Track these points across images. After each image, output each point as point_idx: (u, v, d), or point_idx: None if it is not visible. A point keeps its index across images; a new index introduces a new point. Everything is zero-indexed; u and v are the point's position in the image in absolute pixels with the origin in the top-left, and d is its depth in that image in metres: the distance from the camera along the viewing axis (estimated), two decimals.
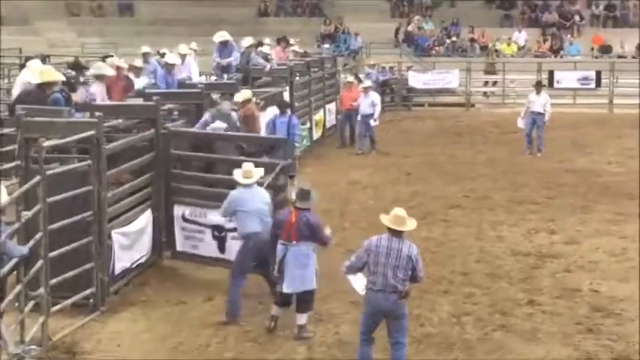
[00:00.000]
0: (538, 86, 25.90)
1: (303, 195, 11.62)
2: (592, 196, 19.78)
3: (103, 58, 18.79)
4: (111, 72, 17.03)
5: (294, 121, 20.78)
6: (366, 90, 25.95)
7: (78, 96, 14.82)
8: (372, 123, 25.33)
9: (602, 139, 27.85)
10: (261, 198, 12.48)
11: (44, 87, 13.90)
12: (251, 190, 12.42)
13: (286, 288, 11.55)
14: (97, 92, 16.19)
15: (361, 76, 30.79)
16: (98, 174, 12.16)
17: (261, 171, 12.67)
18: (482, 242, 16.16)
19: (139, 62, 20.04)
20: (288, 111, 21.05)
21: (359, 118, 25.43)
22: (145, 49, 21.45)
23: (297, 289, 11.58)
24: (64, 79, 14.17)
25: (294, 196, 11.72)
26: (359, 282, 10.55)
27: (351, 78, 28.16)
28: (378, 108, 25.75)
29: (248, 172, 12.46)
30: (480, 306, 12.84)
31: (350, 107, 26.11)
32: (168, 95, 17.37)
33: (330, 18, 40.86)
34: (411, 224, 10.27)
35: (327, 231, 11.91)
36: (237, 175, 12.48)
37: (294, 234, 11.44)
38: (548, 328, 12.05)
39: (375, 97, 26.05)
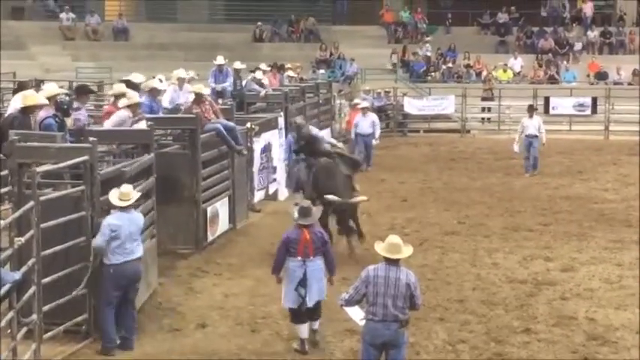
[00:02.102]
0: (530, 110, 26.90)
1: (305, 212, 12.03)
2: (588, 223, 19.73)
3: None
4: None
5: None
6: (364, 110, 27.42)
7: (71, 121, 14.68)
8: (374, 142, 26.96)
9: (598, 165, 27.86)
10: (138, 222, 12.11)
11: (27, 111, 13.77)
12: (127, 213, 12.00)
13: (309, 302, 11.96)
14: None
15: (361, 98, 31.33)
16: (92, 199, 12.09)
17: (138, 194, 12.25)
18: (477, 269, 16.10)
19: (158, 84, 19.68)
20: None
21: (352, 136, 26.81)
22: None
23: (315, 301, 12.03)
24: (47, 102, 13.91)
25: (295, 214, 12.03)
26: (357, 313, 10.51)
27: (358, 100, 29.34)
28: (378, 127, 27.37)
29: (125, 194, 11.99)
30: (475, 334, 12.77)
31: None
32: (162, 121, 17.32)
33: (325, 43, 40.89)
34: (406, 251, 10.20)
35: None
36: (113, 196, 11.98)
37: (312, 250, 11.92)
38: (544, 356, 11.99)
39: (374, 117, 27.65)
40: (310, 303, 11.97)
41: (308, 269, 11.92)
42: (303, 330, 12.09)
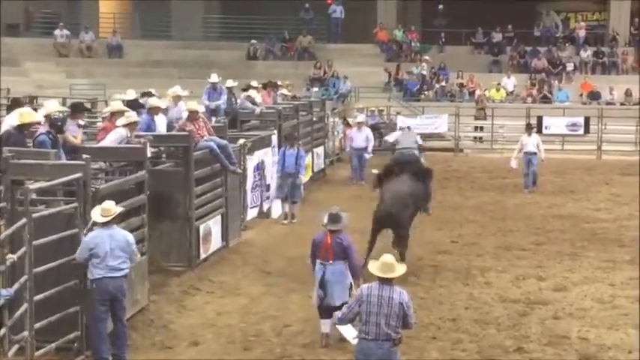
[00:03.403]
0: (529, 128, 27.78)
1: (334, 218, 12.92)
2: (580, 242, 19.74)
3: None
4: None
5: (301, 153, 22.27)
6: (359, 125, 28.51)
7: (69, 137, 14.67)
8: (367, 156, 27.47)
9: (591, 185, 27.91)
10: (120, 238, 12.02)
11: (23, 128, 13.79)
12: (108, 230, 11.96)
13: (336, 300, 12.64)
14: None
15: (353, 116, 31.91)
16: (84, 216, 12.08)
17: (119, 209, 12.18)
18: (470, 288, 16.10)
19: (162, 103, 19.68)
20: (297, 143, 22.41)
21: (347, 149, 28.34)
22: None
23: (332, 302, 12.69)
24: (42, 119, 13.94)
25: (325, 220, 12.93)
26: (349, 332, 10.55)
27: (352, 119, 30.45)
28: (372, 142, 28.03)
29: (106, 210, 11.94)
30: (468, 353, 12.78)
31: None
32: (156, 138, 17.30)
33: (320, 61, 40.99)
34: (400, 269, 10.22)
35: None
36: (95, 213, 11.97)
37: (331, 254, 12.78)
38: None
39: (368, 131, 28.41)
40: (334, 302, 12.67)
41: (327, 271, 12.80)
42: (324, 326, 12.84)
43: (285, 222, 21.56)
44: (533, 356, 12.67)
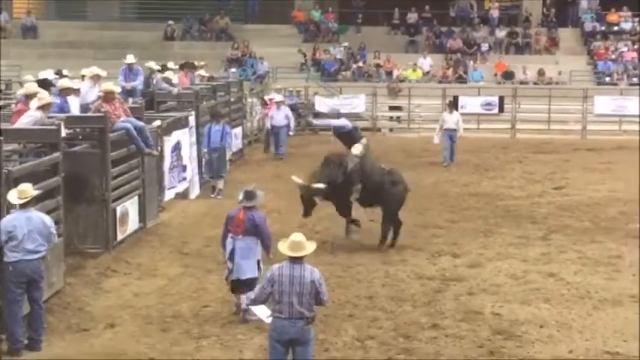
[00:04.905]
0: (451, 105, 28.94)
1: (249, 195, 13.12)
2: (494, 219, 20.09)
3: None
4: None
5: (227, 130, 23.35)
6: (278, 104, 29.78)
7: None
8: (291, 133, 29.47)
9: (505, 163, 28.39)
10: (37, 221, 11.94)
11: None
12: (26, 213, 11.90)
13: (242, 274, 13.03)
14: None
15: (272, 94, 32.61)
16: None
17: (35, 192, 12.10)
18: (387, 266, 16.27)
19: (75, 84, 19.37)
20: (222, 120, 23.56)
21: (268, 126, 29.55)
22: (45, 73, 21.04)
23: (240, 276, 13.02)
24: None
25: (240, 196, 13.14)
26: (263, 311, 10.64)
27: (272, 95, 31.89)
28: (292, 120, 29.64)
29: (23, 192, 11.89)
30: (384, 330, 12.92)
31: None
32: (70, 119, 17.11)
33: (237, 42, 40.87)
34: (310, 247, 10.28)
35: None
36: (12, 195, 11.93)
37: (242, 229, 13.01)
38: (451, 351, 12.17)
39: (287, 110, 29.74)
40: (239, 276, 13.03)
41: (236, 246, 13.05)
42: (234, 297, 13.31)
43: (213, 196, 22.23)
44: (448, 332, 12.84)
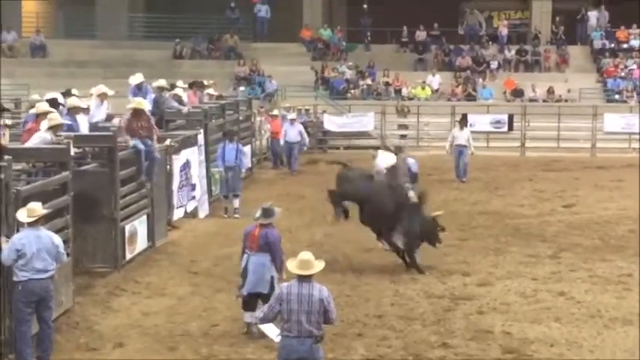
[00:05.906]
0: (462, 122, 28.98)
1: (267, 212, 13.27)
2: (504, 238, 20.02)
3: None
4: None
5: (241, 148, 23.45)
6: (292, 121, 30.56)
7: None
8: (304, 148, 30.96)
9: (515, 181, 28.29)
10: (46, 240, 11.92)
11: None
12: (35, 231, 11.89)
13: (252, 289, 13.15)
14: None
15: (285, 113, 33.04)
16: (6, 219, 11.94)
17: (44, 210, 12.11)
18: (396, 285, 16.23)
19: (83, 103, 19.39)
20: (236, 139, 23.66)
21: (281, 142, 30.34)
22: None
23: (250, 291, 13.15)
24: None
25: (257, 214, 13.31)
26: (272, 330, 10.60)
27: (292, 115, 31.94)
28: (306, 136, 30.95)
29: (32, 211, 11.88)
30: (393, 349, 12.87)
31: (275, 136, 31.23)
32: (79, 138, 17.13)
33: (244, 60, 40.94)
34: (318, 266, 10.26)
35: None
36: (21, 214, 11.93)
37: (256, 245, 13.16)
38: None
39: (300, 127, 30.69)
40: (249, 290, 13.16)
41: (249, 261, 13.23)
42: (244, 315, 13.31)
43: (226, 216, 22.20)
44: (458, 351, 12.79)
